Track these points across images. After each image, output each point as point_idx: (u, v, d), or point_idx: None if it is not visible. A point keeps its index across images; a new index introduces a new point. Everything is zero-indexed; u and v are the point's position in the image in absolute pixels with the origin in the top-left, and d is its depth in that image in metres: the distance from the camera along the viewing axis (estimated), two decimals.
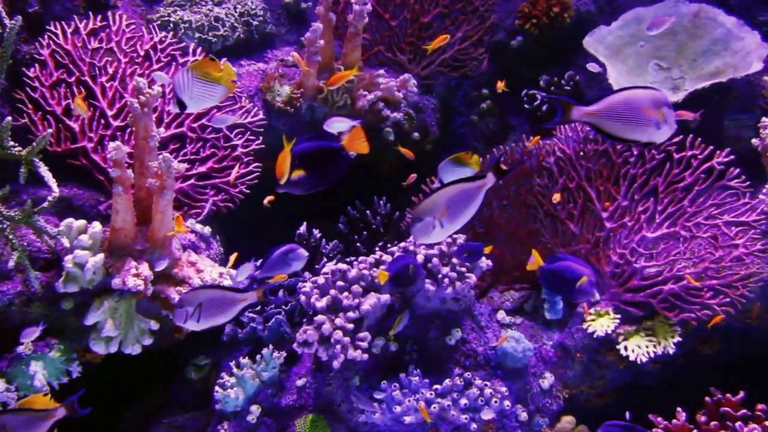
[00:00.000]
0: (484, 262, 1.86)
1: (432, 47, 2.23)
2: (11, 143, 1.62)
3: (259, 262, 1.76)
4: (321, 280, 1.82)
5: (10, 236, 1.61)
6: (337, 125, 1.72)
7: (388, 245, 2.11)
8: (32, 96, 1.98)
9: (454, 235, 1.87)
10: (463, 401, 1.73)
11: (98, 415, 1.58)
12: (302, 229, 2.20)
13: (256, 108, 2.26)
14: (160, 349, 1.90)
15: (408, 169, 2.09)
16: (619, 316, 1.91)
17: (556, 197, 2.03)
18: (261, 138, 2.21)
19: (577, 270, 1.58)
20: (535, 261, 1.62)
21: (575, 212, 2.07)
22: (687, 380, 2.03)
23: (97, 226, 1.72)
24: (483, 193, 1.29)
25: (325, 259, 2.18)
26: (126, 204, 1.71)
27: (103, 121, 2.02)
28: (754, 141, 2.14)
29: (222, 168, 2.13)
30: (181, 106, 1.31)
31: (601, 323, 1.90)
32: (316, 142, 1.41)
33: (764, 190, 1.98)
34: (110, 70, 2.09)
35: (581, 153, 2.10)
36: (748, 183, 1.95)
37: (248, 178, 2.15)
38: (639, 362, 1.86)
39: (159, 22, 2.38)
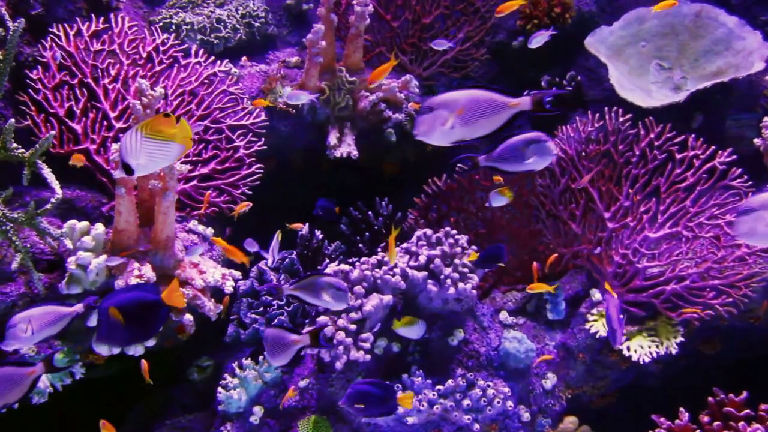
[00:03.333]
0: None
1: None
2: (14, 145, 1.63)
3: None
4: None
5: (14, 238, 1.61)
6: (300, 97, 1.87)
7: None
8: (35, 98, 1.98)
9: (457, 237, 1.87)
10: (466, 402, 1.73)
11: (101, 416, 1.59)
12: (305, 230, 2.20)
13: (258, 109, 2.26)
14: (162, 350, 1.90)
15: (409, 170, 2.09)
16: (621, 316, 1.91)
17: (584, 180, 2.00)
18: (263, 139, 2.21)
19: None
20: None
21: (577, 213, 2.07)
22: (689, 380, 2.03)
23: (99, 228, 1.73)
24: (510, 115, 1.14)
25: (327, 260, 2.19)
26: (128, 205, 1.72)
27: (105, 123, 2.02)
28: (756, 141, 2.14)
29: (224, 169, 2.13)
30: (128, 170, 1.18)
31: (604, 323, 1.90)
32: (133, 294, 1.34)
33: (767, 190, 1.98)
34: (113, 72, 2.09)
35: (583, 153, 2.09)
36: (750, 183, 1.95)
37: (250, 179, 2.15)
38: (641, 362, 1.85)
39: (161, 24, 2.38)
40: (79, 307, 1.39)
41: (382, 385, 1.55)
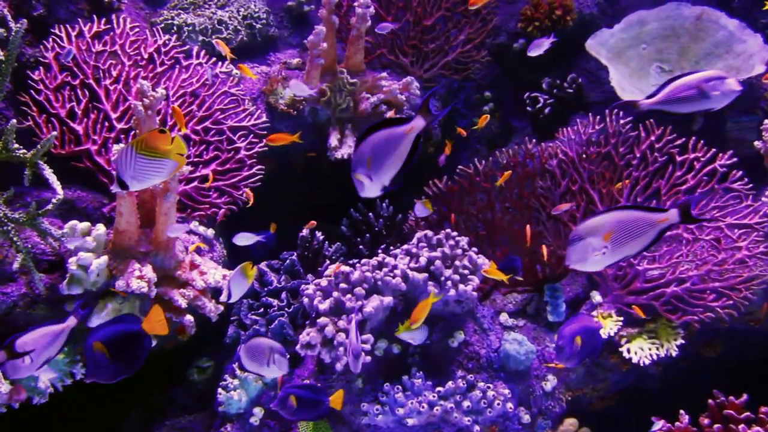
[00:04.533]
0: (487, 264, 1.86)
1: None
2: (16, 146, 1.63)
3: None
4: (324, 282, 1.82)
5: (15, 238, 1.62)
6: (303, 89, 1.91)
7: (391, 247, 2.11)
8: (37, 99, 1.98)
9: (458, 238, 1.88)
10: (466, 403, 1.73)
11: (102, 417, 1.59)
12: (305, 231, 2.20)
13: (259, 111, 2.27)
14: (163, 351, 1.90)
15: (410, 171, 2.09)
16: (621, 318, 1.91)
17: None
18: (264, 140, 2.21)
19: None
20: None
21: (578, 214, 2.07)
22: (690, 383, 2.03)
23: (101, 229, 1.73)
24: (411, 140, 1.14)
25: (328, 262, 2.19)
26: (130, 206, 1.72)
27: (107, 124, 2.02)
28: (757, 143, 2.14)
29: (225, 171, 2.14)
30: (122, 185, 1.21)
31: (604, 325, 1.90)
32: (116, 327, 1.35)
33: (767, 193, 1.98)
34: (114, 73, 2.10)
35: (584, 155, 2.10)
36: (750, 185, 1.95)
37: (251, 180, 2.16)
38: (642, 365, 1.85)
39: (163, 25, 2.39)
40: (72, 322, 1.39)
41: (314, 388, 1.59)
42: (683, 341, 1.87)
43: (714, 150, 1.97)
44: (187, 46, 2.30)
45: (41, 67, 2.03)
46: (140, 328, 1.35)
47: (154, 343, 1.78)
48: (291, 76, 2.36)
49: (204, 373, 2.07)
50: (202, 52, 2.29)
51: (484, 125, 2.21)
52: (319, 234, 2.23)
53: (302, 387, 1.60)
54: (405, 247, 1.91)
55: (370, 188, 1.19)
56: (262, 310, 2.03)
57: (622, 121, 2.07)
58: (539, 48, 2.06)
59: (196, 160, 2.11)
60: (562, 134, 2.17)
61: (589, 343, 1.52)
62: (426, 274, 1.80)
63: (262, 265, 2.14)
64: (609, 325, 1.90)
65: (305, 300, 1.82)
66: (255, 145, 2.19)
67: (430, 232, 1.90)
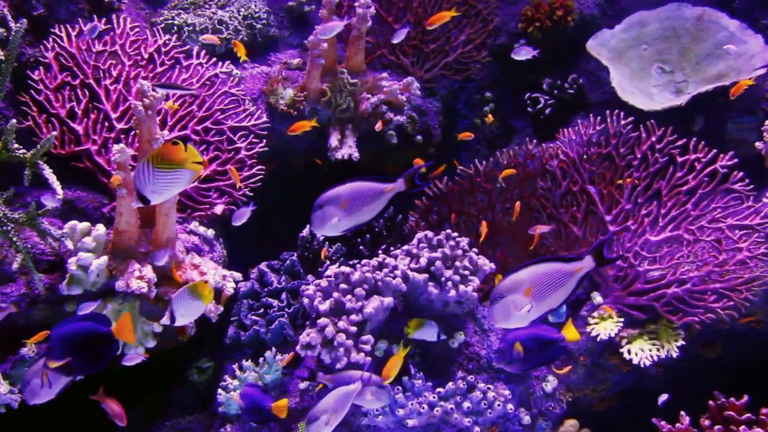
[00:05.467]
0: (487, 265, 1.86)
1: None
2: (16, 146, 1.63)
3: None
4: (324, 283, 1.82)
5: (14, 238, 1.61)
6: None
7: (392, 248, 2.11)
8: (37, 98, 1.98)
9: (458, 239, 1.87)
10: (466, 404, 1.73)
11: (101, 417, 1.59)
12: (305, 231, 2.20)
13: (259, 111, 2.27)
14: (163, 351, 1.90)
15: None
16: (622, 319, 1.90)
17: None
18: (264, 141, 2.21)
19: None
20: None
21: (578, 215, 2.07)
22: (690, 384, 2.02)
23: (100, 229, 1.72)
24: (388, 199, 1.25)
25: (328, 262, 2.18)
26: (129, 206, 1.71)
27: (107, 124, 2.02)
28: (758, 144, 2.14)
29: (225, 171, 2.13)
30: (144, 200, 1.24)
31: (605, 326, 1.90)
32: (85, 324, 1.35)
33: None
34: (114, 73, 2.09)
35: (584, 156, 2.09)
36: (751, 186, 1.95)
37: (251, 180, 2.15)
38: (642, 366, 1.85)
39: (163, 25, 2.39)
40: None
41: (262, 390, 1.64)
42: (684, 342, 1.87)
43: (715, 151, 1.97)
44: (188, 46, 2.30)
45: (41, 67, 2.03)
46: (109, 330, 1.34)
47: (153, 344, 1.79)
48: (291, 77, 2.35)
49: (204, 374, 2.06)
50: (203, 53, 2.29)
51: (489, 123, 2.20)
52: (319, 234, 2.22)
53: (253, 388, 1.63)
54: (405, 247, 1.91)
55: (332, 227, 1.27)
56: (262, 310, 2.03)
57: (623, 122, 2.06)
58: (524, 54, 2.14)
59: None
60: (562, 135, 2.17)
61: (536, 352, 1.53)
62: (426, 275, 1.80)
63: (263, 266, 2.14)
64: (610, 326, 1.90)
65: (305, 300, 1.82)
66: (255, 146, 2.19)
67: (430, 233, 1.90)
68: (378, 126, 2.20)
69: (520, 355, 1.54)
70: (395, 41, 2.29)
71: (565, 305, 2.01)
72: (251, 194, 2.14)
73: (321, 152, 2.28)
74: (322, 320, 1.74)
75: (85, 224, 1.72)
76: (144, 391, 2.10)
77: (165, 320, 1.44)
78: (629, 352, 1.87)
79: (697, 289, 1.86)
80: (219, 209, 2.07)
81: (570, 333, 1.57)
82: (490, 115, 2.23)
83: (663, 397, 1.77)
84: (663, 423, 1.74)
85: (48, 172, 1.66)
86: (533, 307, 1.17)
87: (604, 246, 1.15)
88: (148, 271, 1.72)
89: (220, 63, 2.28)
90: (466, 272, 1.82)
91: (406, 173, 1.26)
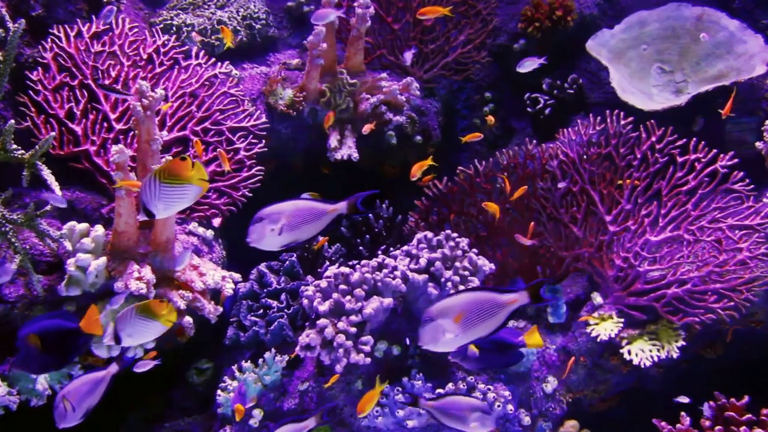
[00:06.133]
0: (487, 266, 1.86)
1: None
2: (14, 146, 1.62)
3: None
4: (324, 283, 1.81)
5: (13, 239, 1.61)
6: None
7: (391, 249, 2.11)
8: (35, 99, 1.98)
9: (458, 240, 1.87)
10: None
11: (100, 419, 1.58)
12: None
13: (258, 111, 2.26)
14: (162, 352, 1.89)
15: (410, 173, 2.08)
16: (622, 320, 1.90)
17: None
18: (263, 141, 2.20)
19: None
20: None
21: (578, 216, 2.06)
22: (691, 385, 2.02)
23: (99, 230, 1.72)
24: (331, 219, 1.27)
25: (328, 263, 2.18)
26: (128, 207, 1.71)
27: (105, 125, 2.02)
28: (758, 144, 2.13)
29: (224, 171, 2.13)
30: (149, 215, 1.25)
31: (605, 327, 1.90)
32: (52, 321, 1.37)
33: None
34: (113, 74, 2.09)
35: (584, 156, 2.09)
36: (751, 186, 1.94)
37: (251, 181, 2.15)
38: (643, 366, 1.85)
39: (162, 25, 2.38)
40: (113, 368, 1.44)
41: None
42: (684, 343, 1.86)
43: (715, 151, 1.96)
44: (186, 47, 2.30)
45: (40, 68, 2.02)
46: (77, 326, 1.35)
47: (153, 345, 1.78)
48: (291, 77, 2.35)
49: (203, 375, 2.06)
50: (201, 53, 2.28)
51: (489, 125, 2.19)
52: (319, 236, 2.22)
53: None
54: (405, 248, 1.90)
55: (271, 240, 1.28)
56: (261, 311, 2.03)
57: (622, 122, 2.06)
58: (530, 64, 2.13)
59: (195, 160, 2.10)
60: (562, 135, 2.16)
61: (493, 353, 1.54)
62: (426, 276, 1.79)
63: (262, 266, 2.14)
64: (610, 327, 1.89)
65: (305, 301, 1.82)
66: (254, 146, 2.18)
67: (430, 234, 1.90)
68: (365, 129, 2.19)
69: (475, 354, 1.59)
70: (406, 63, 2.30)
71: (565, 306, 2.01)
72: (251, 195, 2.13)
73: (320, 153, 2.28)
74: (322, 321, 1.74)
75: (84, 225, 1.72)
76: (143, 393, 2.09)
77: (107, 340, 1.49)
78: (629, 352, 1.87)
79: (698, 290, 1.86)
80: (217, 222, 2.07)
81: (532, 339, 1.57)
82: (490, 117, 2.22)
83: (683, 399, 1.75)
84: (663, 424, 1.74)
85: (46, 173, 1.65)
86: (460, 334, 1.19)
87: (543, 285, 1.18)
88: (147, 272, 1.71)
89: (219, 63, 2.27)
90: (466, 273, 1.81)
91: (350, 198, 1.28)
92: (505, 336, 1.58)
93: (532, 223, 2.02)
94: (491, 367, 1.66)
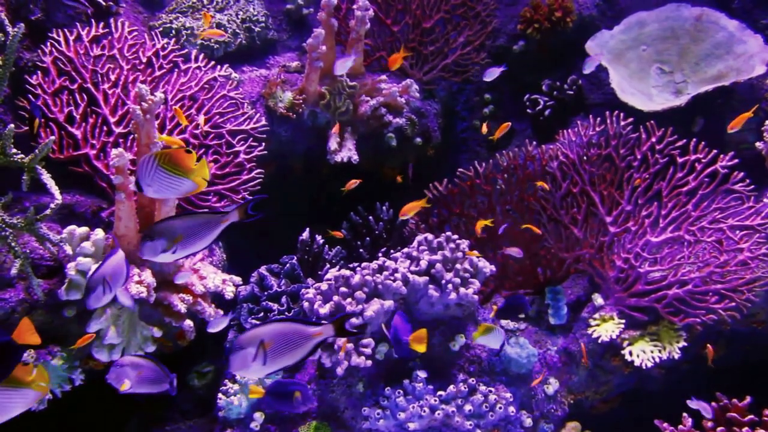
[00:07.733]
0: (488, 267, 1.85)
1: None
2: (14, 150, 1.62)
3: None
4: (324, 286, 1.81)
5: (13, 244, 1.61)
6: None
7: (391, 251, 2.11)
8: (35, 103, 1.97)
9: (458, 241, 1.87)
10: (468, 407, 1.72)
11: (101, 422, 1.58)
12: (305, 235, 2.20)
13: (258, 114, 2.26)
14: (162, 356, 1.89)
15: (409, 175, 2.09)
16: (623, 321, 1.90)
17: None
18: (263, 144, 2.20)
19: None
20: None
21: (579, 217, 2.06)
22: (692, 385, 2.02)
23: (99, 233, 1.72)
24: (221, 228, 1.30)
25: (328, 265, 2.18)
26: (128, 211, 1.71)
27: (105, 128, 2.02)
28: (758, 144, 2.13)
29: (224, 174, 2.13)
30: (139, 188, 1.25)
31: (606, 328, 1.90)
32: None
33: None
34: (112, 77, 2.09)
35: (584, 157, 2.09)
36: (752, 187, 1.94)
37: (251, 184, 2.15)
38: (644, 367, 1.84)
39: (161, 29, 2.38)
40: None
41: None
42: (685, 343, 1.86)
43: (715, 151, 1.96)
44: (186, 50, 2.30)
45: (39, 72, 2.02)
46: (9, 338, 1.29)
47: (153, 348, 1.78)
48: (290, 80, 2.35)
49: (204, 378, 2.06)
50: (201, 56, 2.28)
51: (498, 133, 2.19)
52: (319, 237, 2.22)
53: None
54: (405, 250, 1.90)
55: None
56: (262, 314, 2.02)
57: (622, 123, 2.06)
58: (492, 75, 2.16)
59: None
60: (562, 136, 2.16)
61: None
62: (427, 278, 1.79)
63: (263, 269, 2.14)
64: (611, 328, 1.89)
65: (305, 304, 1.81)
66: (254, 149, 2.18)
67: (430, 235, 1.90)
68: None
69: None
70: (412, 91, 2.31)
71: (566, 307, 2.01)
72: (250, 197, 2.13)
73: (320, 155, 2.28)
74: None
75: (84, 229, 1.72)
76: (144, 396, 2.09)
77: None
78: (631, 353, 1.87)
79: (699, 290, 1.86)
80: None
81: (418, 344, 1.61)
82: (484, 126, 2.23)
83: (694, 405, 1.74)
84: (665, 425, 1.73)
85: (46, 177, 1.65)
86: (268, 361, 1.24)
87: (346, 320, 1.26)
88: (148, 276, 1.71)
89: (219, 66, 2.27)
90: (467, 275, 1.81)
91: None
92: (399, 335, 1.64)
93: (525, 225, 2.01)
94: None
